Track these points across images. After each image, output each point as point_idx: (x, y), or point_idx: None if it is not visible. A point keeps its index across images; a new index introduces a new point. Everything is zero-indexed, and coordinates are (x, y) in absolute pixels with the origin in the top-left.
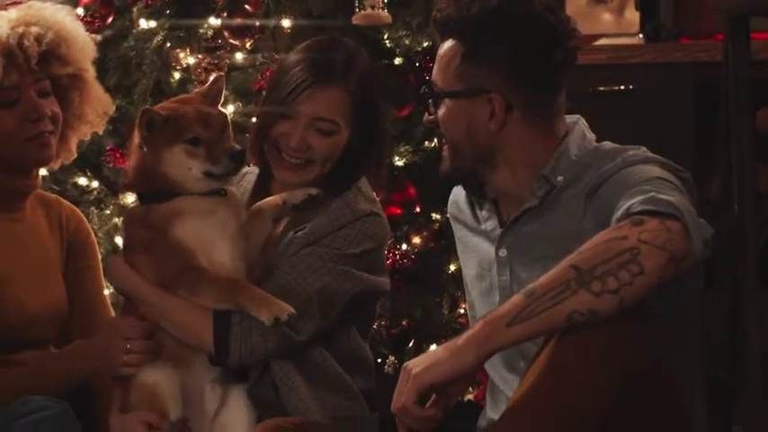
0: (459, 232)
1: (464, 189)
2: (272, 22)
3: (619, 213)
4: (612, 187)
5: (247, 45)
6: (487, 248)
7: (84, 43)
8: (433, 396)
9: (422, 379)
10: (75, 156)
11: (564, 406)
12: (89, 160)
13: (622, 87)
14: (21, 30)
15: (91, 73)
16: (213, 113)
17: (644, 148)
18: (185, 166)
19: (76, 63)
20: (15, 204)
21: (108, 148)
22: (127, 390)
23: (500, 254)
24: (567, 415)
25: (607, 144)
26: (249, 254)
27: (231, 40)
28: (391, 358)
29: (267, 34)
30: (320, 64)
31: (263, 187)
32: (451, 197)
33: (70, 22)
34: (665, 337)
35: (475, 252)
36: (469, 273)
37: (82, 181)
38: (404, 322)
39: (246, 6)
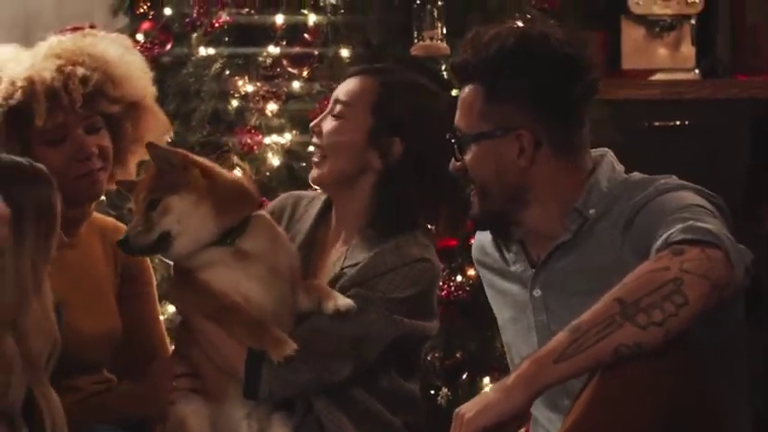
0: (487, 277)
1: (492, 233)
2: (331, 51)
3: (658, 243)
4: (648, 216)
5: (304, 73)
6: (519, 290)
7: (136, 78)
8: None
9: (475, 423)
10: (134, 177)
11: None
12: None
13: (677, 123)
14: (67, 70)
15: (148, 99)
16: (140, 188)
17: (674, 177)
18: None
19: (126, 99)
20: (69, 231)
21: None
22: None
23: (534, 294)
24: None
25: (636, 175)
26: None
27: (289, 69)
28: (444, 390)
29: (324, 63)
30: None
31: (325, 213)
32: (476, 242)
33: (120, 57)
34: (709, 368)
35: (507, 295)
36: (503, 316)
37: None
38: (458, 354)
39: (305, 35)
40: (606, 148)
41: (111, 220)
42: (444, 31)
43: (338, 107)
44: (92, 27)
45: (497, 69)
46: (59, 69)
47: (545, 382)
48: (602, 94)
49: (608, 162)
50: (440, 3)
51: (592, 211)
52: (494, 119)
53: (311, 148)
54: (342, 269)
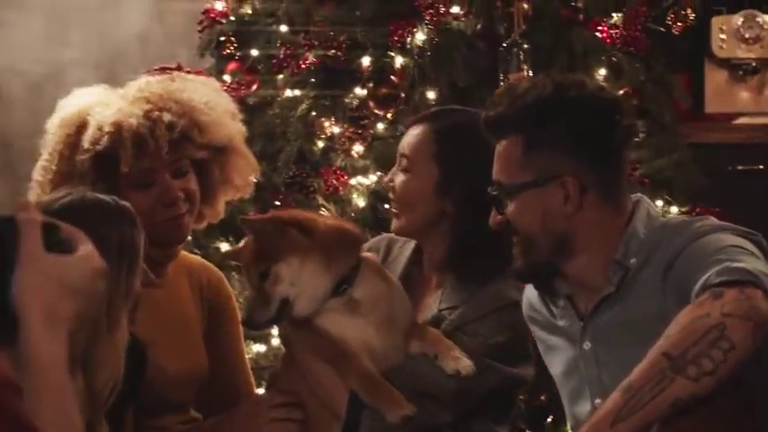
0: (537, 333)
1: (536, 288)
2: (417, 93)
3: (697, 288)
4: (686, 262)
5: (389, 115)
6: (568, 345)
7: (223, 124)
8: None
9: None
10: (222, 216)
11: None
12: (232, 226)
13: (761, 167)
14: (154, 116)
15: (236, 142)
16: (247, 262)
17: (712, 218)
18: None
19: (213, 144)
20: (155, 271)
21: (251, 214)
22: None
23: (584, 347)
24: None
25: (674, 218)
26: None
27: (376, 110)
28: None
29: (410, 104)
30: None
31: (417, 255)
32: (524, 299)
33: (207, 103)
34: (759, 405)
35: (557, 351)
36: (556, 372)
37: (224, 246)
38: (542, 397)
39: (392, 77)
40: (639, 194)
41: (197, 258)
42: (530, 73)
43: (404, 161)
44: (178, 68)
45: (537, 117)
46: (146, 115)
47: None
48: (686, 137)
49: (643, 208)
50: (526, 46)
51: (633, 261)
52: (536, 168)
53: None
54: (440, 311)
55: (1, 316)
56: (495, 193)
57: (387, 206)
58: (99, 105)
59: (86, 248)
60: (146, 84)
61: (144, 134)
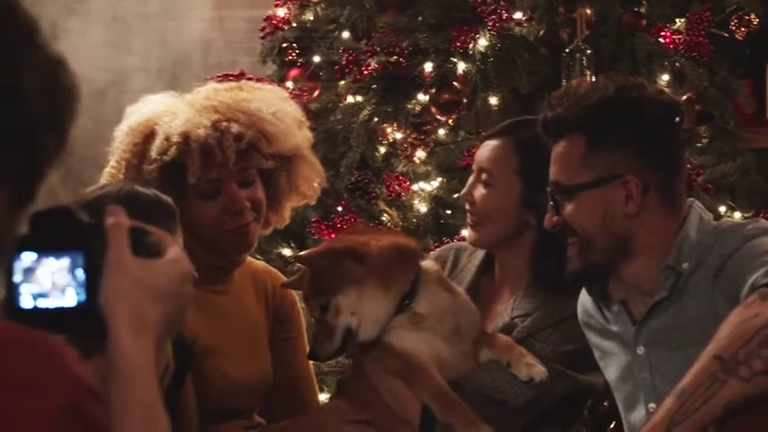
0: (592, 338)
1: (589, 293)
2: (479, 99)
3: (745, 290)
4: (736, 265)
5: (450, 121)
6: (623, 350)
7: (290, 134)
8: None
9: None
10: (287, 222)
11: None
12: (294, 232)
13: None
14: (222, 126)
15: (303, 150)
16: (307, 295)
17: (763, 220)
18: None
19: (280, 154)
20: (220, 279)
21: (313, 220)
22: None
23: (638, 352)
24: None
25: (725, 222)
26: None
27: (438, 116)
28: None
29: (471, 112)
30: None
31: (487, 264)
32: (579, 305)
33: (275, 114)
34: None
35: (612, 356)
36: (611, 377)
37: (286, 251)
38: (605, 403)
39: (454, 83)
40: (692, 198)
41: (262, 263)
42: (593, 79)
43: (484, 175)
44: (241, 75)
45: (600, 118)
46: (215, 126)
47: None
48: (749, 142)
49: (695, 212)
50: (588, 51)
51: (685, 266)
52: (597, 168)
53: (458, 198)
54: (512, 319)
55: (89, 323)
56: (553, 194)
57: (448, 212)
58: (167, 114)
59: (175, 252)
60: (213, 92)
61: (212, 145)
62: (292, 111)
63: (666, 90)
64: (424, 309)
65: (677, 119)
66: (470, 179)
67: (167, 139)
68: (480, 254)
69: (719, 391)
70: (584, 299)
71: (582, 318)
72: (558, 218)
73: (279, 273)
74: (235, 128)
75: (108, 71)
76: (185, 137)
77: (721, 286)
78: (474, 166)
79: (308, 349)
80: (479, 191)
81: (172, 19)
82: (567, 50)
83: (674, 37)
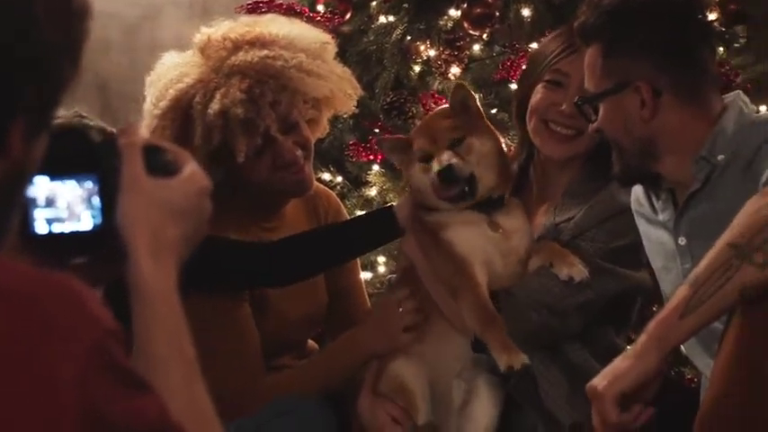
0: (642, 226)
1: (641, 183)
2: (512, 11)
3: (763, 179)
4: (765, 157)
5: (484, 36)
6: (668, 239)
7: (323, 78)
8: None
9: (612, 392)
10: (327, 130)
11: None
12: (332, 155)
13: None
14: (256, 95)
15: (337, 86)
16: (439, 128)
17: None
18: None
19: (318, 99)
20: (271, 214)
21: (350, 143)
22: (379, 373)
23: (680, 242)
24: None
25: (763, 114)
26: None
27: (471, 31)
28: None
29: (504, 25)
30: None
31: (522, 175)
32: (632, 193)
33: (301, 65)
34: None
35: (658, 244)
36: (657, 266)
37: (325, 176)
38: (654, 308)
39: None
40: (738, 91)
41: (316, 184)
42: None
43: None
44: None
45: (613, 25)
46: (249, 97)
47: (674, 340)
48: None
49: (736, 105)
50: None
51: (720, 158)
52: (614, 75)
53: (496, 113)
54: (556, 225)
55: (107, 246)
56: (584, 101)
57: None
58: (194, 88)
59: (191, 168)
60: (233, 47)
61: (252, 118)
62: (313, 44)
63: None
64: (502, 221)
65: (688, 16)
66: (569, 95)
67: (207, 125)
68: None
69: (733, 277)
70: (637, 188)
71: (633, 207)
72: (594, 124)
73: (332, 193)
74: (269, 96)
75: (139, 6)
76: (224, 117)
77: (752, 178)
78: (572, 84)
79: (360, 273)
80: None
81: None
82: None
83: None
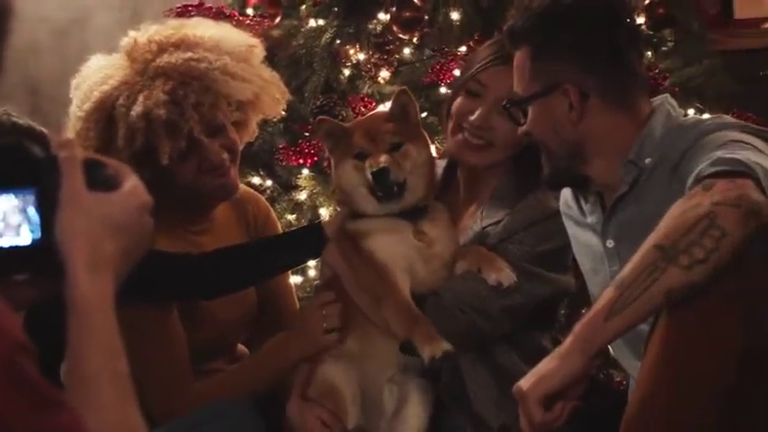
0: (570, 229)
1: (569, 186)
2: (441, 15)
3: (690, 181)
4: (689, 160)
5: (414, 40)
6: (596, 242)
7: (246, 83)
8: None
9: (536, 394)
10: (256, 134)
11: (691, 372)
12: (262, 159)
13: None
14: (179, 97)
15: (262, 89)
16: (380, 129)
17: (724, 116)
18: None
19: (242, 101)
20: (200, 218)
21: (280, 146)
22: (309, 377)
23: (608, 245)
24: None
25: (690, 119)
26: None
27: (400, 35)
28: None
29: (434, 29)
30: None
31: (450, 175)
32: (561, 196)
33: (225, 67)
34: None
35: (586, 246)
36: (585, 268)
37: (255, 180)
38: (583, 311)
39: (415, 0)
40: (666, 95)
41: (243, 188)
42: None
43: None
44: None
45: (540, 28)
46: (172, 99)
47: (600, 342)
48: (715, 44)
49: (663, 109)
50: None
51: (647, 161)
52: (542, 78)
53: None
54: (483, 228)
55: (46, 261)
56: (513, 104)
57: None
58: (117, 89)
59: (132, 183)
60: (158, 49)
61: (175, 120)
62: (239, 47)
63: None
64: (427, 229)
65: (615, 21)
66: (483, 107)
67: (130, 127)
68: (439, 170)
69: (659, 279)
70: (566, 190)
71: (563, 209)
72: (522, 128)
73: (262, 198)
74: (192, 98)
75: (70, 9)
76: (147, 119)
77: (678, 183)
78: (489, 95)
79: (290, 278)
80: (501, 122)
81: None
82: None
83: None
